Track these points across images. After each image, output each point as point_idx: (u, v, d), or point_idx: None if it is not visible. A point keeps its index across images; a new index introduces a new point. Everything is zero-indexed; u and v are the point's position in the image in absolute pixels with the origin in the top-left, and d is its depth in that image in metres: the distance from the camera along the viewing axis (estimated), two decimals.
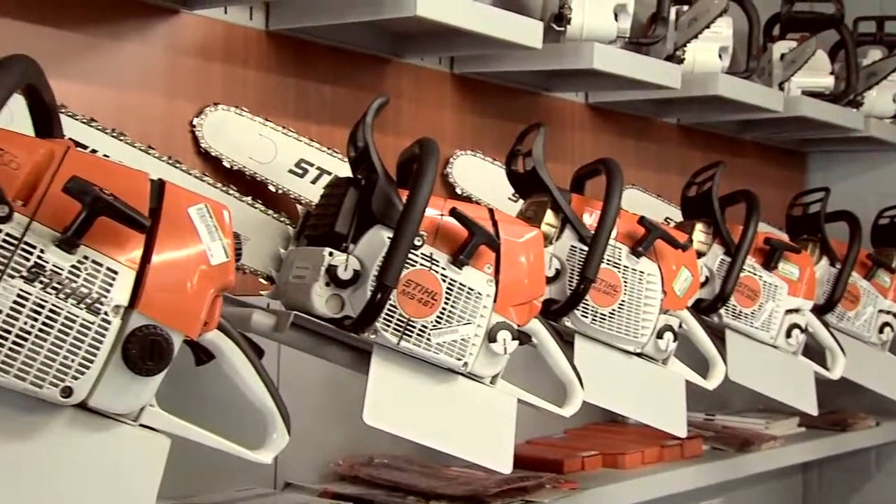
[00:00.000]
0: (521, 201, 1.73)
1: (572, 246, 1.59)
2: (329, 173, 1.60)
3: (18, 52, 0.97)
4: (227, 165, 1.54)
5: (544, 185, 1.61)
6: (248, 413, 1.16)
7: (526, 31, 1.65)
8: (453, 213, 1.33)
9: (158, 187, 1.03)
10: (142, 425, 1.02)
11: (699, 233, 1.87)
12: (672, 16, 1.99)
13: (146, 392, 1.01)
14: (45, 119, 1.08)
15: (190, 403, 1.13)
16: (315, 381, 1.63)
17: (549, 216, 1.61)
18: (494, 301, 1.34)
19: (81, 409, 0.98)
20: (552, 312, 1.56)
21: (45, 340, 0.94)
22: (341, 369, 1.37)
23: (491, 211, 1.40)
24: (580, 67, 1.81)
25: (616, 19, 1.84)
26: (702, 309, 1.82)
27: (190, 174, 1.42)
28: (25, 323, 0.93)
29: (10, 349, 0.92)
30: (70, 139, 1.12)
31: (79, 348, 0.95)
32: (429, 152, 1.31)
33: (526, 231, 1.42)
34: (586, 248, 1.56)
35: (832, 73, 2.45)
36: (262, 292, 1.44)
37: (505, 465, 1.38)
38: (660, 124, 2.40)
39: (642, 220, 1.61)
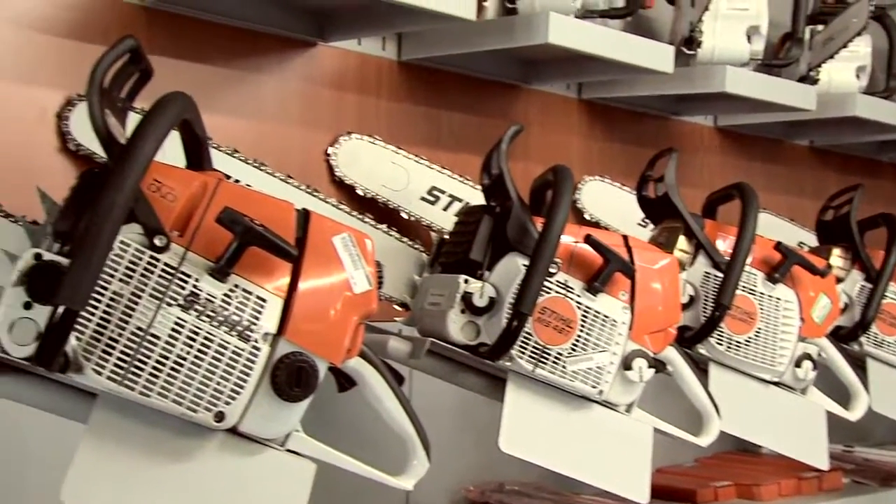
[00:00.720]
0: (650, 226, 1.72)
1: (706, 272, 1.57)
2: (460, 200, 1.62)
3: (175, 90, 1.01)
4: (361, 193, 1.57)
5: (677, 211, 1.59)
6: (382, 438, 1.17)
7: (657, 55, 1.64)
8: (588, 240, 1.32)
9: (304, 217, 1.06)
10: (288, 450, 1.05)
11: (837, 258, 1.82)
12: (806, 35, 1.95)
13: (293, 418, 1.03)
14: (197, 152, 1.12)
15: (326, 429, 1.15)
16: (446, 406, 1.64)
17: (682, 242, 1.59)
18: (630, 328, 1.33)
19: (232, 433, 1.01)
20: (686, 340, 1.54)
21: (199, 366, 0.97)
22: (472, 395, 1.38)
23: (625, 237, 1.39)
24: (711, 91, 1.78)
25: (749, 41, 1.81)
26: (841, 336, 1.76)
27: (327, 202, 1.46)
28: (182, 350, 0.96)
29: (168, 374, 0.96)
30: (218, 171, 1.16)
31: (230, 374, 0.98)
32: (563, 179, 1.31)
33: (661, 257, 1.40)
34: (721, 275, 1.53)
35: None
36: (396, 319, 1.46)
37: (641, 495, 1.36)
38: (791, 146, 2.35)
39: (779, 246, 1.58)
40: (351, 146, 1.58)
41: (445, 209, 1.62)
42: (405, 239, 1.53)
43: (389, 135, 1.63)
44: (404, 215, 1.59)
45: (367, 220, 1.49)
